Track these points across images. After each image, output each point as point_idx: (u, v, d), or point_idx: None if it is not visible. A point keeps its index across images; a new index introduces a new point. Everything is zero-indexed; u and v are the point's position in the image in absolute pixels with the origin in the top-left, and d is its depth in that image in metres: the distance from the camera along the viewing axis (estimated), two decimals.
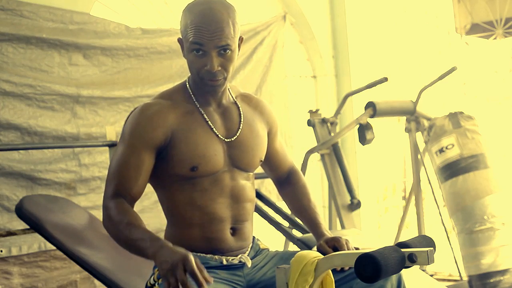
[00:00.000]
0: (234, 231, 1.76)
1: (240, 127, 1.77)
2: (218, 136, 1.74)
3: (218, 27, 1.64)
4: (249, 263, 1.75)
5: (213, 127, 1.73)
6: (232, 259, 1.74)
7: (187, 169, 1.68)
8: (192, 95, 1.75)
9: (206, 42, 1.64)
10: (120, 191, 1.66)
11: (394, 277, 1.63)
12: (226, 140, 1.75)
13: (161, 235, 3.92)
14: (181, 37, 1.73)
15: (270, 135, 1.88)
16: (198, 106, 1.74)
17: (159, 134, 1.68)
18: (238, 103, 1.82)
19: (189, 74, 1.78)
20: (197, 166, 1.68)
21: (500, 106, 6.15)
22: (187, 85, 1.78)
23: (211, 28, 1.63)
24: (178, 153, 1.68)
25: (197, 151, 1.69)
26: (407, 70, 6.02)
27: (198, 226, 1.72)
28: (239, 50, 1.72)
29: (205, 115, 1.74)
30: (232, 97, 1.82)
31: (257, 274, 1.76)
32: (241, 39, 1.73)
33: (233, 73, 1.73)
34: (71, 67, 3.40)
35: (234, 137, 1.76)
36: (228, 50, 1.67)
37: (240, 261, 1.75)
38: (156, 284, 1.73)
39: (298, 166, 2.08)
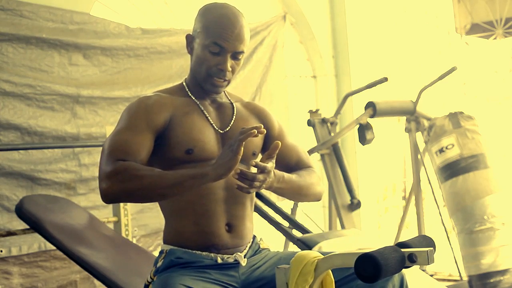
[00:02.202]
0: (230, 227, 1.76)
1: (233, 119, 1.82)
2: (213, 126, 1.78)
3: (241, 32, 1.75)
4: (243, 262, 1.74)
5: (207, 115, 1.79)
6: (227, 258, 1.74)
7: (182, 152, 1.71)
8: (189, 91, 1.82)
9: (227, 45, 1.73)
10: (126, 159, 1.63)
11: (396, 278, 1.63)
12: (220, 131, 1.79)
13: (161, 235, 3.92)
14: (191, 34, 1.80)
15: (271, 139, 1.88)
16: (194, 98, 1.81)
17: (159, 118, 1.72)
18: (234, 103, 1.88)
19: (186, 76, 1.85)
20: (193, 148, 1.71)
21: (500, 106, 6.15)
22: (184, 84, 1.85)
23: (235, 32, 1.73)
24: (175, 135, 1.72)
25: (192, 134, 1.73)
26: (407, 70, 6.02)
27: (192, 219, 1.73)
28: None
29: (200, 105, 1.80)
30: (227, 97, 1.88)
31: (253, 274, 1.75)
32: None
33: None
34: (71, 67, 3.40)
35: (228, 128, 1.80)
36: (240, 56, 1.78)
37: (235, 260, 1.74)
38: (151, 284, 1.74)
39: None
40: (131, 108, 1.74)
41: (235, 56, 1.76)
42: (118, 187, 1.59)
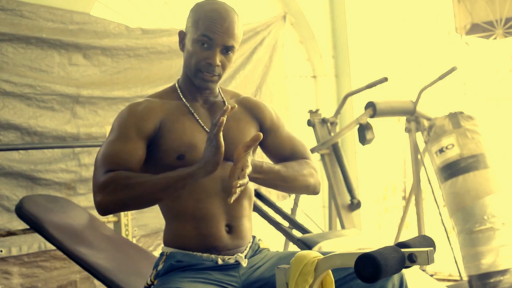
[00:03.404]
0: (230, 228, 1.76)
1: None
2: (204, 129, 1.76)
3: (231, 26, 1.72)
4: (244, 263, 1.74)
5: (198, 118, 1.77)
6: (228, 259, 1.74)
7: (174, 158, 1.70)
8: (180, 93, 1.81)
9: (216, 37, 1.71)
10: (116, 169, 1.64)
11: (396, 277, 1.63)
12: None
13: (161, 235, 3.92)
14: (184, 30, 1.79)
15: (264, 130, 1.86)
16: (185, 101, 1.79)
17: (149, 125, 1.72)
18: (226, 101, 1.85)
19: (179, 76, 1.84)
20: (184, 154, 1.70)
21: (500, 106, 6.15)
22: (176, 86, 1.83)
23: (224, 25, 1.71)
24: (165, 142, 1.71)
25: (183, 139, 1.72)
26: (407, 70, 6.02)
27: (192, 222, 1.72)
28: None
29: (191, 108, 1.78)
30: (221, 95, 1.86)
31: (254, 274, 1.75)
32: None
33: (225, 72, 1.79)
34: (71, 67, 3.40)
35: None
36: (230, 51, 1.75)
37: (236, 261, 1.74)
38: (151, 287, 1.74)
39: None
40: (121, 117, 1.75)
41: (225, 51, 1.74)
42: (110, 198, 1.60)
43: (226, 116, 1.54)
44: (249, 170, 1.59)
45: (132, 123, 1.71)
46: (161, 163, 1.71)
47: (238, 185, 1.55)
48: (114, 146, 1.68)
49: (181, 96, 1.80)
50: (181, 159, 1.70)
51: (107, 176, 1.61)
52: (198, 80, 1.76)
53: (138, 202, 1.65)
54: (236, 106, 1.58)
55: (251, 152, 1.65)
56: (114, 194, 1.60)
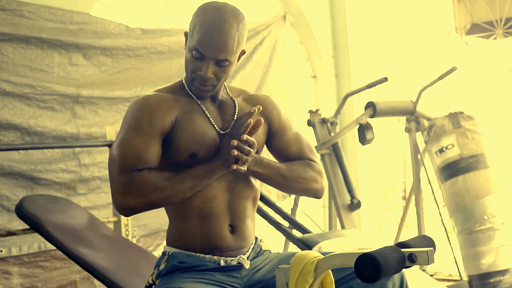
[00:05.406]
0: (233, 228, 1.76)
1: (235, 118, 1.79)
2: (215, 127, 1.76)
3: (223, 40, 1.67)
4: (246, 265, 1.75)
5: (209, 117, 1.76)
6: (231, 260, 1.73)
7: (186, 156, 1.70)
8: (189, 90, 1.79)
9: (207, 52, 1.68)
10: (140, 168, 1.65)
11: (396, 277, 1.63)
12: (222, 132, 1.76)
13: (161, 235, 3.91)
14: (187, 31, 1.76)
15: (272, 131, 1.86)
16: (195, 98, 1.78)
17: (167, 121, 1.71)
18: (235, 99, 1.84)
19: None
20: (196, 153, 1.70)
21: (500, 106, 6.15)
22: (184, 83, 1.81)
23: (216, 39, 1.67)
24: (179, 139, 1.71)
25: (196, 138, 1.71)
26: (407, 70, 6.02)
27: (196, 221, 1.72)
28: (238, 61, 1.76)
29: (202, 106, 1.77)
30: (228, 93, 1.85)
31: (255, 276, 1.75)
32: (243, 52, 1.77)
33: (224, 81, 1.77)
34: (71, 67, 3.40)
35: (229, 129, 1.77)
36: (225, 64, 1.71)
37: (238, 262, 1.74)
38: (153, 286, 1.74)
39: None
40: (137, 110, 1.70)
41: (219, 63, 1.70)
42: (140, 200, 1.62)
43: (252, 118, 1.64)
44: (255, 147, 1.68)
45: (150, 118, 1.69)
46: (173, 161, 1.71)
47: (236, 143, 1.64)
48: (134, 142, 1.66)
49: (191, 94, 1.78)
50: (193, 157, 1.70)
51: (136, 177, 1.61)
52: (193, 88, 1.76)
53: (166, 202, 1.67)
54: (261, 108, 1.68)
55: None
56: (145, 197, 1.61)
